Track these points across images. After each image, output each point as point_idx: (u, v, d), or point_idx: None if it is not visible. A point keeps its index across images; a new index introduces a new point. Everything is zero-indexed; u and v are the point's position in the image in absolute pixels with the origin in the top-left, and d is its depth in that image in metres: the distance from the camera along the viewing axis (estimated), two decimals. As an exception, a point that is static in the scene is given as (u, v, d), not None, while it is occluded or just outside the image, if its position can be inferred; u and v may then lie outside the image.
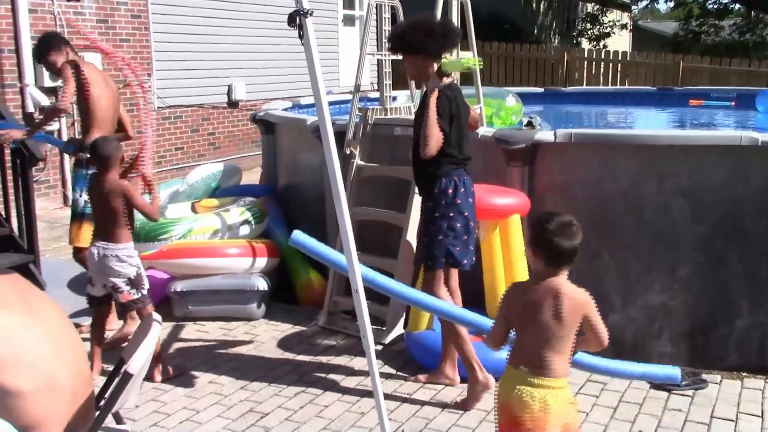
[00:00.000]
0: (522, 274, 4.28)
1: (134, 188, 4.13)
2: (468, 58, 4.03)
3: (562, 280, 2.60)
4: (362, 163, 5.01)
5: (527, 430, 2.54)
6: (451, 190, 3.83)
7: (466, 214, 3.87)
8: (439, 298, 3.84)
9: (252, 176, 8.85)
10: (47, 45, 4.93)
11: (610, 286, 4.52)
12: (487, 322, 3.36)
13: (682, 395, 3.97)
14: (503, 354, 4.04)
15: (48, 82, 7.89)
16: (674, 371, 3.40)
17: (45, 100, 7.89)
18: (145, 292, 4.10)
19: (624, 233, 4.46)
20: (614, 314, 4.49)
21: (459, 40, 4.09)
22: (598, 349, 2.70)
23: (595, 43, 23.82)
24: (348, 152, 4.96)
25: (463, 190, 3.86)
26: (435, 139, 3.73)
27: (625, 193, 4.44)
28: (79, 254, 4.85)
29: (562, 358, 2.58)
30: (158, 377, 4.10)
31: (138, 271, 4.08)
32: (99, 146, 4.07)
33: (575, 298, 2.58)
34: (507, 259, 4.33)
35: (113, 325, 4.65)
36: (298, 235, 3.48)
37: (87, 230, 4.67)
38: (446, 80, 3.83)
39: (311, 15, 2.69)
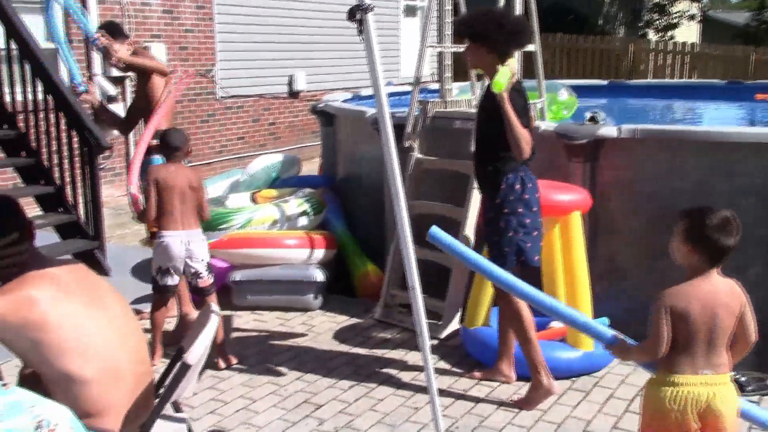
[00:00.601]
0: (582, 273, 4.19)
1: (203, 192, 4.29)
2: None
3: (718, 277, 2.53)
4: (421, 156, 4.98)
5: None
6: (518, 186, 3.76)
7: (535, 209, 3.80)
8: (510, 300, 3.75)
9: (311, 166, 8.91)
10: (110, 32, 5.07)
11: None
12: (602, 329, 2.92)
13: (748, 400, 3.83)
14: (565, 354, 4.02)
15: (115, 72, 8.06)
16: None
17: (113, 90, 8.06)
18: (213, 279, 4.23)
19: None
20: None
21: (528, 41, 3.99)
22: (747, 349, 2.60)
23: (662, 34, 23.19)
24: (407, 145, 4.94)
25: (530, 185, 3.79)
26: (526, 140, 3.65)
27: (692, 191, 4.31)
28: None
29: (728, 352, 2.55)
30: (222, 364, 4.18)
31: (211, 257, 4.24)
32: (171, 137, 4.18)
33: (734, 290, 2.53)
34: (567, 257, 4.25)
35: (171, 312, 4.73)
36: (436, 231, 3.30)
37: None
38: (513, 80, 3.72)
39: (372, 10, 2.67)
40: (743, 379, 3.96)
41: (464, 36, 3.89)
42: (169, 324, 4.62)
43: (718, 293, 2.50)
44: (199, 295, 4.25)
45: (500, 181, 3.77)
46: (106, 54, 5.03)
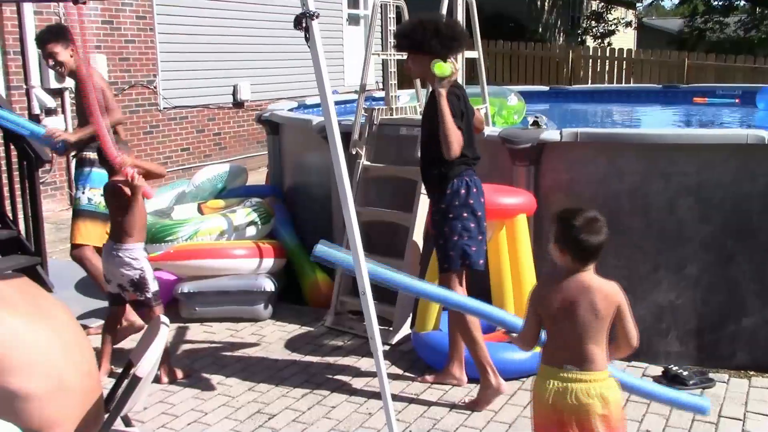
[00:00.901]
0: (529, 274, 4.28)
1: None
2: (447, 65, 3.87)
3: (590, 275, 2.61)
4: (368, 163, 5.01)
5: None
6: (463, 191, 3.82)
7: (480, 214, 3.86)
8: (450, 291, 3.80)
9: (258, 176, 8.87)
10: (54, 33, 4.78)
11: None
12: (512, 318, 3.36)
13: (689, 394, 3.95)
14: (513, 354, 4.08)
15: (53, 84, 7.92)
16: (705, 403, 3.21)
17: (51, 102, 7.92)
18: (150, 295, 4.09)
19: (630, 232, 4.46)
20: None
21: (466, 43, 4.06)
22: (628, 351, 2.67)
23: (599, 41, 23.79)
24: (354, 152, 4.97)
25: (475, 190, 3.85)
26: (457, 139, 3.71)
27: (631, 192, 4.43)
28: (74, 251, 4.86)
29: (602, 351, 2.60)
30: (165, 379, 4.11)
31: (141, 274, 4.05)
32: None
33: (606, 290, 2.59)
34: (514, 258, 4.33)
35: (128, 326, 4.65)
36: (320, 250, 3.37)
37: (88, 227, 4.71)
38: (452, 79, 3.79)
39: (317, 17, 2.69)
40: (685, 373, 4.08)
41: (404, 48, 3.96)
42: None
43: (585, 291, 2.57)
44: (137, 309, 4.21)
45: (445, 187, 3.82)
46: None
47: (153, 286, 4.12)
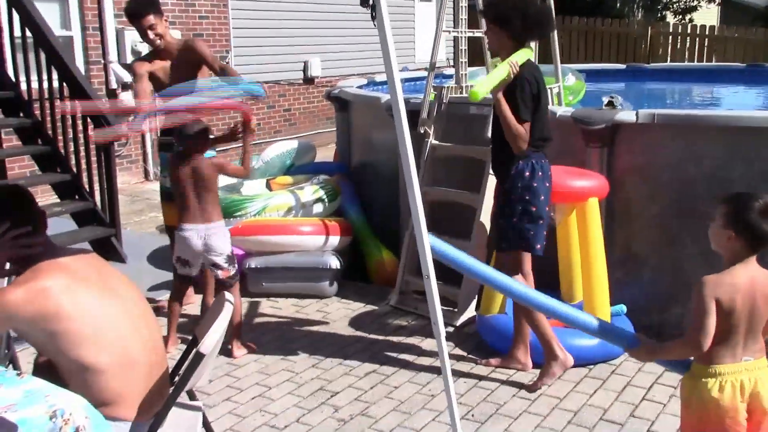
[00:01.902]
0: (600, 260, 4.16)
1: (223, 160, 4.22)
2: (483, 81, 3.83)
3: (756, 264, 2.46)
4: (436, 142, 4.95)
5: None
6: (528, 173, 3.75)
7: (542, 198, 3.78)
8: (514, 281, 3.77)
9: (327, 153, 8.89)
10: (150, 4, 4.53)
11: (692, 273, 4.32)
12: (583, 317, 2.98)
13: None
14: (579, 340, 3.99)
15: (130, 59, 8.08)
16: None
17: (127, 77, 8.09)
18: (237, 267, 4.21)
19: (708, 218, 4.27)
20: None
21: (550, 32, 4.00)
22: None
23: (680, 17, 22.92)
24: (422, 131, 4.91)
25: (540, 173, 3.77)
26: (520, 137, 3.68)
27: (710, 177, 4.26)
28: (167, 232, 4.91)
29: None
30: (237, 353, 4.18)
31: (232, 247, 4.20)
32: (188, 128, 4.10)
33: None
34: (584, 243, 4.21)
35: (190, 300, 4.75)
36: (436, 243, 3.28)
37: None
38: (519, 58, 3.70)
39: (385, -5, 2.63)
40: None
41: (488, 18, 3.90)
42: (186, 310, 4.62)
43: (757, 281, 2.42)
44: (221, 287, 4.20)
45: (510, 167, 3.77)
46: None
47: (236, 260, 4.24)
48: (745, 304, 2.39)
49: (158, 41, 4.51)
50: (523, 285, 3.38)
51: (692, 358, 2.54)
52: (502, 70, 3.66)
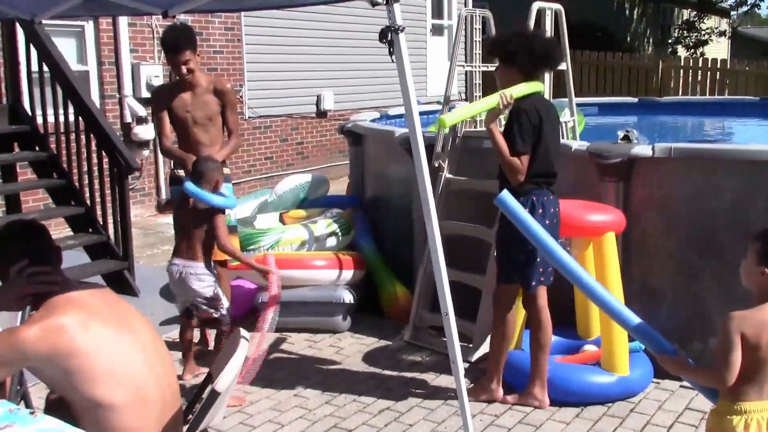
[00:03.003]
0: (617, 294, 4.10)
1: (222, 219, 4.08)
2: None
3: None
4: (450, 176, 4.93)
5: None
6: (528, 209, 3.71)
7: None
8: (503, 315, 3.89)
9: (339, 186, 8.89)
10: (189, 40, 4.43)
11: (712, 308, 4.28)
12: (622, 308, 2.78)
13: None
14: (597, 378, 3.92)
15: (145, 93, 8.14)
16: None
17: (142, 111, 8.15)
18: (224, 311, 4.09)
19: (728, 252, 4.22)
20: (716, 338, 4.24)
21: (558, 63, 4.05)
22: None
23: (691, 51, 23.00)
24: (437, 165, 4.89)
25: (541, 210, 3.77)
26: (515, 169, 3.73)
27: (729, 211, 4.21)
28: None
29: None
30: (187, 376, 4.20)
31: (215, 291, 4.06)
32: (198, 164, 4.10)
33: None
34: (600, 277, 4.15)
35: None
36: (505, 196, 3.15)
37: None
38: (501, 111, 3.77)
39: (403, 31, 2.64)
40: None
41: (495, 56, 3.96)
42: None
43: None
44: (210, 327, 4.19)
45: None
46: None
47: (225, 303, 4.11)
48: None
49: (188, 76, 4.45)
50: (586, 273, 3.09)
51: (718, 393, 2.50)
52: (491, 99, 3.70)
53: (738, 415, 2.39)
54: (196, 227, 4.03)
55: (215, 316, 4.06)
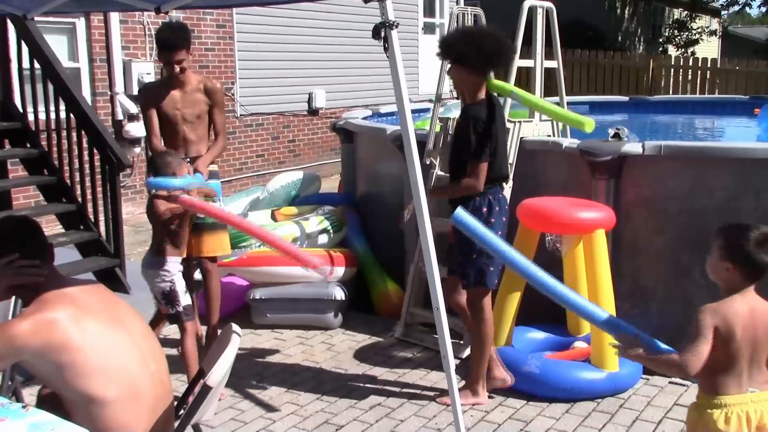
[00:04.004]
0: (607, 292, 4.12)
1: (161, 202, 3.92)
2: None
3: (755, 295, 2.47)
4: (441, 173, 4.94)
5: None
6: (485, 209, 3.78)
7: (500, 233, 3.74)
8: (482, 317, 3.88)
9: (331, 184, 8.90)
10: (185, 38, 4.42)
11: (700, 305, 4.28)
12: (586, 303, 2.90)
13: None
14: (588, 374, 3.95)
15: (136, 91, 8.13)
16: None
17: (133, 108, 8.14)
18: (180, 308, 3.96)
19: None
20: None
21: (510, 61, 4.07)
22: None
23: (682, 50, 23.10)
24: (428, 162, 4.91)
25: (497, 208, 3.81)
26: (473, 186, 3.76)
27: (719, 208, 4.24)
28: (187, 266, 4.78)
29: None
30: None
31: (171, 286, 3.95)
32: (155, 157, 4.02)
33: None
34: (590, 275, 4.18)
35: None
36: (460, 214, 3.09)
37: (206, 240, 4.51)
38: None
39: (397, 27, 2.65)
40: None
41: (446, 58, 3.97)
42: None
43: (758, 312, 2.43)
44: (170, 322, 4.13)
45: (467, 203, 3.70)
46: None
47: (183, 301, 3.98)
48: (746, 333, 2.39)
49: (180, 74, 4.44)
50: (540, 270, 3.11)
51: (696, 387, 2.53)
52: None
53: (718, 408, 2.41)
54: (158, 222, 3.95)
55: (171, 312, 3.95)
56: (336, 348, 4.77)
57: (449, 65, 3.94)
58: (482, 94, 3.85)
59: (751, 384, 2.42)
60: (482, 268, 3.82)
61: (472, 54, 3.73)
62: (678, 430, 3.70)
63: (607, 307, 4.10)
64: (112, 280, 5.52)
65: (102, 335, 2.31)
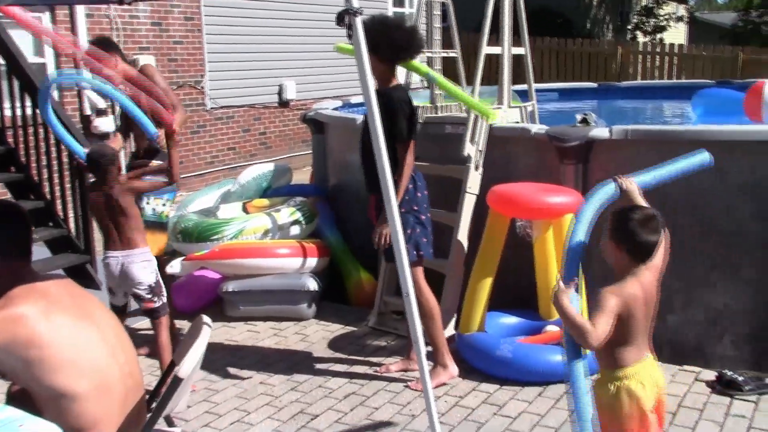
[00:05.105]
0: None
1: (134, 181, 3.92)
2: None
3: (645, 269, 2.56)
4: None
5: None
6: (411, 186, 3.95)
7: (425, 206, 4.03)
8: (422, 288, 3.97)
9: (303, 176, 8.88)
10: (102, 44, 4.68)
11: (669, 287, 4.34)
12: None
13: (745, 401, 3.82)
14: (561, 357, 3.99)
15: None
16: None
17: (101, 103, 8.04)
18: (164, 299, 3.95)
19: (685, 232, 4.32)
20: (674, 316, 4.36)
21: (417, 54, 4.17)
22: None
23: (650, 36, 23.31)
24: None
25: (420, 183, 4.03)
26: (413, 158, 3.93)
27: (685, 191, 4.29)
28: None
29: None
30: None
31: (157, 277, 3.92)
32: (96, 157, 3.87)
33: (655, 281, 2.61)
34: (561, 259, 4.22)
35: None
36: None
37: (155, 238, 4.49)
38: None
39: (361, 14, 2.66)
40: (740, 378, 3.94)
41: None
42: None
43: (646, 286, 2.56)
44: (148, 317, 4.02)
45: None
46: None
47: (165, 292, 3.97)
48: (641, 311, 2.52)
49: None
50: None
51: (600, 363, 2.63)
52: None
53: (619, 380, 2.52)
54: (116, 214, 3.83)
55: (155, 305, 3.89)
56: (310, 338, 4.78)
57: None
58: (395, 81, 4.01)
59: (646, 350, 2.58)
60: (418, 241, 3.96)
61: (383, 44, 3.83)
62: (648, 410, 3.75)
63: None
64: (83, 276, 5.48)
65: (70, 329, 2.30)
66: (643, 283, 2.54)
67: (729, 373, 4.00)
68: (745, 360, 4.27)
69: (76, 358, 2.27)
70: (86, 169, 3.98)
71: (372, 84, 2.78)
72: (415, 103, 5.15)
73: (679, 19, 25.63)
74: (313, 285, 5.05)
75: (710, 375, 4.09)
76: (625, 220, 2.53)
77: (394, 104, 3.84)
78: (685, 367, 4.20)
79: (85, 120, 8.10)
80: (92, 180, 4.01)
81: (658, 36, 23.12)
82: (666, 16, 24.64)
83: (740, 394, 3.86)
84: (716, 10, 42.18)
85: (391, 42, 3.85)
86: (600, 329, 2.42)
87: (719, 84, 10.47)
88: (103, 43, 4.72)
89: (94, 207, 3.96)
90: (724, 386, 3.93)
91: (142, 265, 3.87)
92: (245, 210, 6.03)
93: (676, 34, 26.00)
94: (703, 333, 4.32)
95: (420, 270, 4.00)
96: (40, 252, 5.52)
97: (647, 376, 2.53)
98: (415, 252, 3.94)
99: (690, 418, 3.67)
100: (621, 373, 2.52)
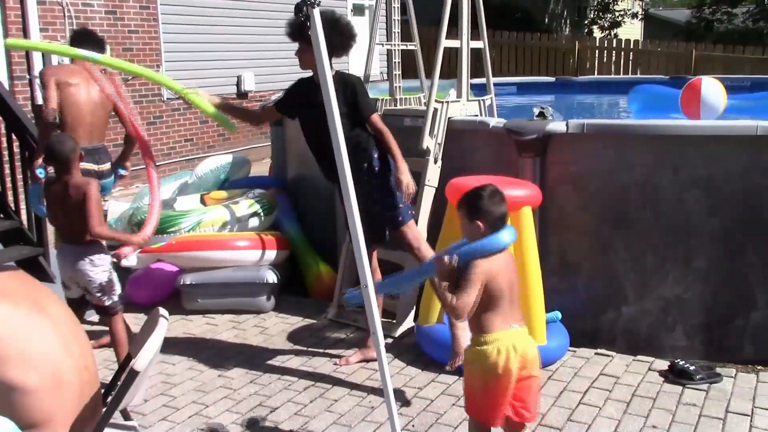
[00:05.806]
0: (534, 266, 4.22)
1: (96, 191, 3.73)
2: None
3: None
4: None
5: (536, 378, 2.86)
6: (384, 164, 4.11)
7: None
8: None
9: (261, 168, 8.81)
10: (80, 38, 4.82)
11: (624, 278, 4.46)
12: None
13: (696, 389, 3.91)
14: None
15: (57, 74, 7.86)
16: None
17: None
18: (116, 298, 3.87)
19: (638, 224, 4.40)
20: (628, 307, 4.44)
21: (352, 44, 4.21)
22: None
23: (606, 32, 23.62)
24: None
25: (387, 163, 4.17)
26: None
27: (639, 184, 4.38)
28: None
29: None
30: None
31: (109, 276, 3.84)
32: (56, 147, 3.73)
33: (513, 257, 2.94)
34: (518, 251, 4.25)
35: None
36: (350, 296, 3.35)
37: None
38: None
39: (318, 5, 2.65)
40: (692, 368, 4.03)
41: (295, 39, 4.13)
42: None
43: (508, 258, 2.85)
44: (99, 314, 3.95)
45: (372, 162, 4.08)
46: None
47: (118, 290, 3.89)
48: (504, 279, 2.78)
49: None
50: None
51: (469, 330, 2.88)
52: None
53: (489, 344, 2.76)
54: (69, 208, 3.73)
55: (106, 304, 3.83)
56: (269, 331, 4.76)
57: (299, 45, 4.13)
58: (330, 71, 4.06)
59: (513, 321, 2.81)
60: (407, 208, 4.16)
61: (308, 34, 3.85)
62: (603, 399, 3.82)
63: (534, 282, 4.21)
64: (36, 269, 5.36)
65: (22, 322, 2.25)
66: (503, 255, 2.80)
67: (681, 362, 4.10)
68: (696, 350, 4.37)
69: (27, 351, 2.22)
70: (47, 161, 3.84)
71: (329, 72, 2.77)
72: (375, 95, 5.18)
73: (635, 15, 26.00)
74: (272, 277, 5.03)
75: (663, 365, 4.18)
76: (477, 198, 2.80)
77: (354, 84, 4.01)
78: (639, 357, 4.28)
79: (37, 109, 7.92)
80: (51, 172, 3.88)
81: (614, 32, 23.44)
82: (621, 12, 25.00)
83: (692, 383, 3.95)
84: (671, 7, 42.92)
85: (330, 36, 3.84)
86: (464, 301, 2.69)
87: (672, 79, 10.66)
88: (97, 43, 4.80)
89: (51, 199, 3.84)
90: (676, 375, 4.02)
91: (92, 262, 3.78)
92: (203, 202, 5.97)
93: (632, 31, 26.39)
94: (656, 324, 4.42)
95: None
96: (-10, 244, 5.40)
97: (510, 344, 2.74)
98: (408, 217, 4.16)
99: (643, 406, 3.75)
100: (484, 338, 2.77)
